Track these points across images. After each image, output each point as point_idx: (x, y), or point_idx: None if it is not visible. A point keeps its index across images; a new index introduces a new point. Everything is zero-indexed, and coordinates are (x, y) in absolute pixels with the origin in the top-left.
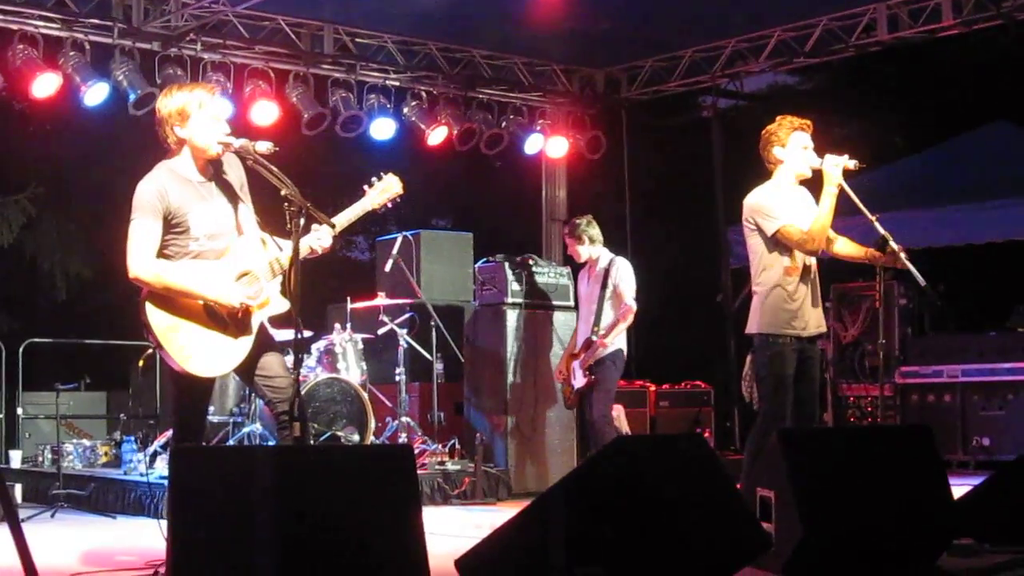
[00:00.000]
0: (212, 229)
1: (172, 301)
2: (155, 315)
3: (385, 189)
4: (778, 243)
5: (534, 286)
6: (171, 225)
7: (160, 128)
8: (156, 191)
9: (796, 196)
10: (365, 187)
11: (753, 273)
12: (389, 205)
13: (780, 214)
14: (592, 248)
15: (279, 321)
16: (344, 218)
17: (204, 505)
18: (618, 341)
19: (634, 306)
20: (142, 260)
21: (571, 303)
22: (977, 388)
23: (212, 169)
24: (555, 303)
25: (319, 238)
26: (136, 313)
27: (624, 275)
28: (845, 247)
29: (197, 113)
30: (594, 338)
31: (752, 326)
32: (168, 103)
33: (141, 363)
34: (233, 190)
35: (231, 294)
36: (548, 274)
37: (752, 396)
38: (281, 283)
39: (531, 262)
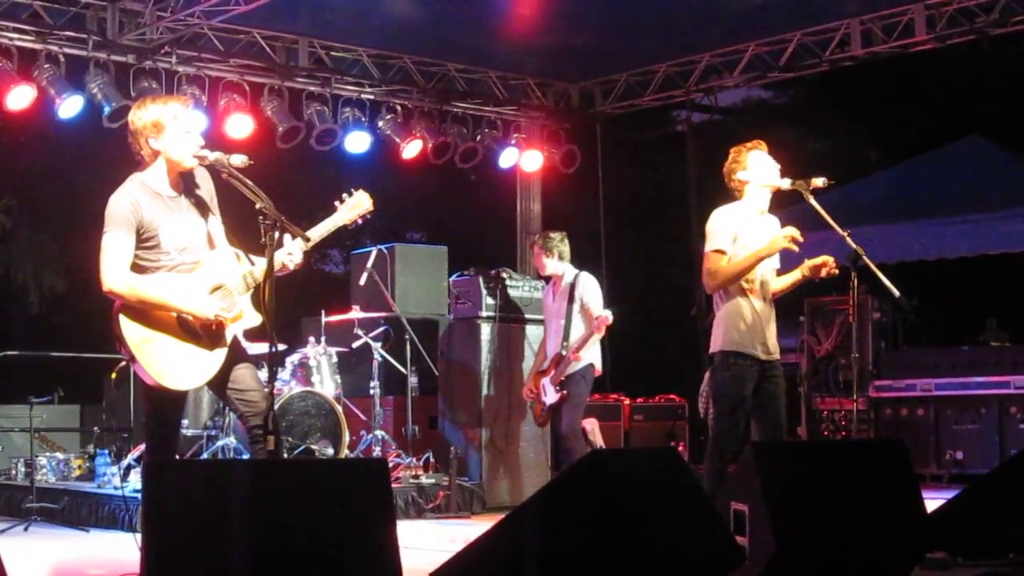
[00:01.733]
0: (183, 243)
1: (145, 314)
2: (129, 328)
3: (355, 206)
4: None
5: (508, 300)
6: (142, 239)
7: (134, 140)
8: (129, 204)
9: (761, 223)
10: (336, 203)
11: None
12: (359, 221)
13: (719, 238)
14: (560, 264)
15: (253, 334)
16: (315, 233)
17: (177, 519)
18: (590, 355)
19: (609, 315)
20: (116, 273)
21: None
22: (950, 402)
23: (183, 183)
24: (529, 317)
25: (290, 253)
26: (109, 326)
27: (591, 289)
28: (779, 282)
29: (172, 125)
30: (564, 352)
31: (715, 344)
32: (142, 115)
33: (114, 375)
34: (204, 204)
35: (205, 306)
36: (522, 288)
37: (708, 412)
38: (254, 296)
39: (505, 276)
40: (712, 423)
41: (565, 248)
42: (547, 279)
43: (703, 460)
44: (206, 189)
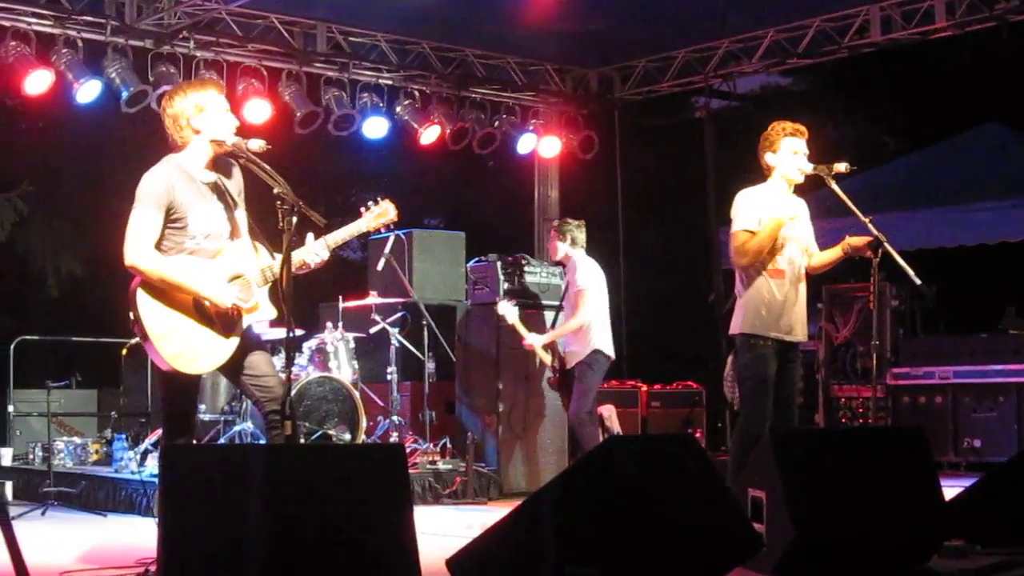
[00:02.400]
0: (209, 229)
1: (163, 293)
2: (145, 305)
3: (381, 214)
4: None
5: (526, 286)
6: (171, 219)
7: (172, 123)
8: (164, 183)
9: (787, 204)
10: (362, 209)
11: (737, 273)
12: (382, 230)
13: (744, 218)
14: (571, 248)
15: (271, 320)
16: (338, 236)
17: (194, 503)
18: (595, 342)
19: (534, 344)
20: (141, 248)
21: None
22: (968, 390)
23: (216, 170)
24: (546, 302)
25: (316, 253)
26: (126, 304)
27: (579, 271)
28: (820, 257)
29: (212, 104)
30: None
31: (735, 327)
32: (182, 98)
33: (124, 352)
34: (232, 194)
35: (224, 293)
36: (540, 274)
37: (734, 397)
38: (272, 290)
39: (523, 261)
40: (739, 406)
41: (580, 234)
42: (561, 264)
43: (720, 446)
44: (236, 181)
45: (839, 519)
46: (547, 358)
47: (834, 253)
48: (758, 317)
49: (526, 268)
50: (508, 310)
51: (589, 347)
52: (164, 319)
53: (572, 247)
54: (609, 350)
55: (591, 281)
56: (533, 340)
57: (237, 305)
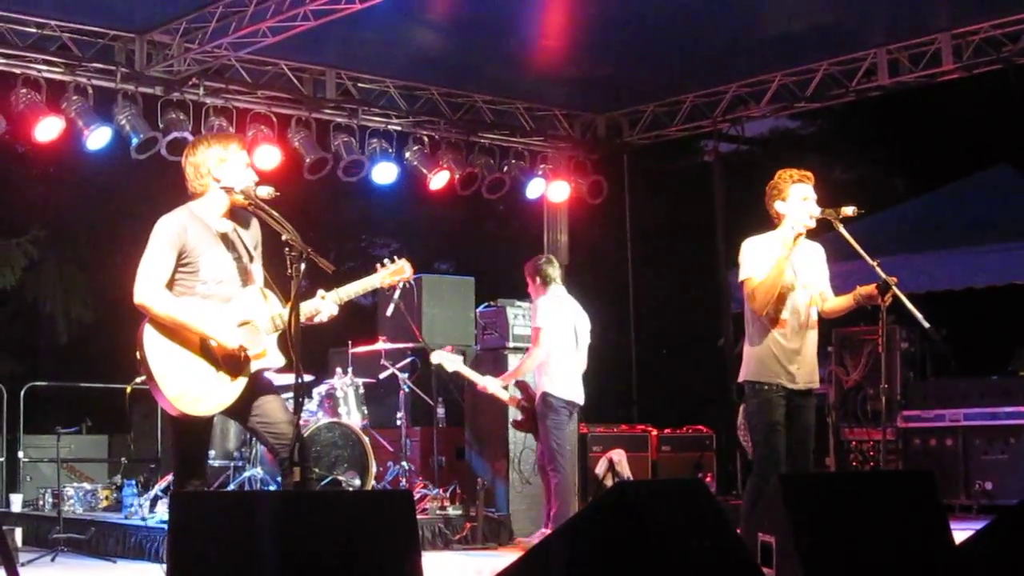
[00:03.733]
0: (221, 275)
1: (171, 332)
2: (152, 343)
3: (396, 272)
4: None
5: None
6: (182, 263)
7: (194, 171)
8: (177, 226)
9: (799, 250)
10: (378, 265)
11: (745, 320)
12: (397, 289)
13: (751, 266)
14: (540, 287)
15: (280, 368)
16: (351, 291)
17: (204, 550)
18: (544, 384)
19: (487, 386)
20: (150, 287)
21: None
22: (979, 432)
23: (232, 221)
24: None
25: (327, 309)
26: (134, 345)
27: (537, 310)
28: (832, 304)
29: (233, 157)
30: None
31: (742, 374)
32: (206, 148)
33: (128, 391)
34: (247, 245)
35: (230, 335)
36: None
37: (747, 445)
38: (280, 339)
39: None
40: (752, 453)
41: (551, 270)
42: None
43: (732, 491)
44: (253, 233)
45: (848, 564)
46: (504, 395)
47: (845, 301)
48: (761, 365)
49: None
50: (446, 359)
51: (539, 390)
52: (169, 358)
53: (542, 285)
54: (562, 392)
55: (549, 321)
56: (487, 383)
57: (244, 348)
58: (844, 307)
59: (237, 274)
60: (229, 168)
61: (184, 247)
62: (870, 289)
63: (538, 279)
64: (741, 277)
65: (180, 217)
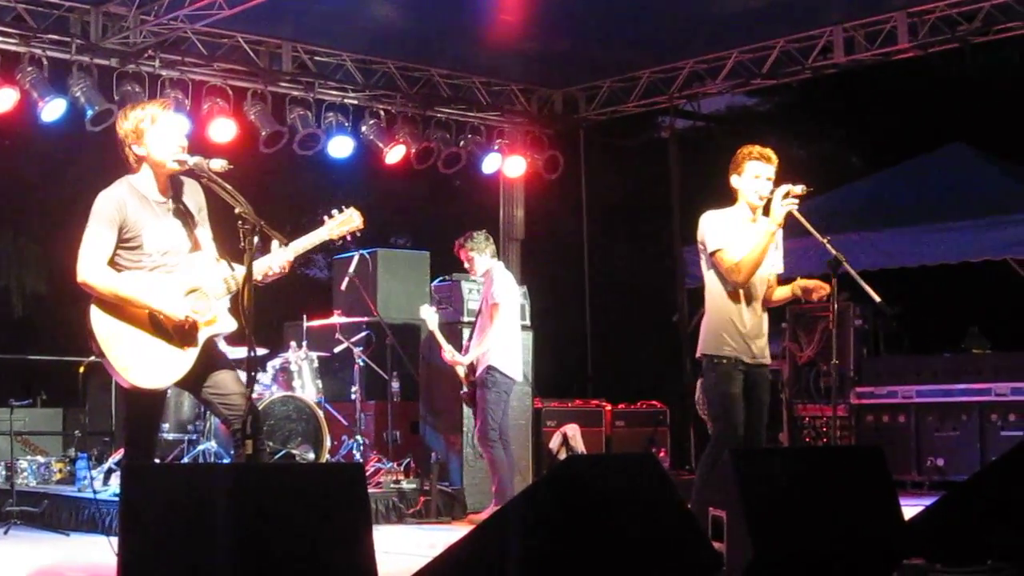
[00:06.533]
0: (165, 246)
1: (118, 309)
2: (100, 321)
3: (345, 222)
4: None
5: None
6: (124, 239)
7: (120, 148)
8: (114, 202)
9: (752, 226)
10: (325, 217)
11: (706, 294)
12: (348, 238)
13: (720, 238)
14: (492, 261)
15: (234, 339)
16: (300, 245)
17: (155, 523)
18: (490, 358)
19: (500, 319)
20: (92, 265)
21: (527, 322)
22: (931, 409)
23: (172, 190)
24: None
25: (277, 260)
26: (82, 322)
27: (494, 283)
28: (776, 293)
29: (151, 129)
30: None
31: (700, 348)
32: (124, 124)
33: (82, 369)
34: (190, 212)
35: (177, 306)
36: None
37: (707, 419)
38: (232, 302)
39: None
40: (712, 428)
41: (493, 245)
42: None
43: (685, 465)
44: (195, 199)
45: (798, 538)
46: (462, 371)
47: (785, 292)
48: (718, 338)
49: None
50: (430, 315)
51: (484, 363)
52: (118, 334)
53: (493, 259)
54: (508, 369)
55: (506, 296)
56: (454, 357)
57: (192, 318)
58: (784, 299)
59: (183, 243)
60: (150, 139)
61: (124, 222)
62: (808, 283)
63: (487, 252)
64: (711, 248)
65: (118, 192)
